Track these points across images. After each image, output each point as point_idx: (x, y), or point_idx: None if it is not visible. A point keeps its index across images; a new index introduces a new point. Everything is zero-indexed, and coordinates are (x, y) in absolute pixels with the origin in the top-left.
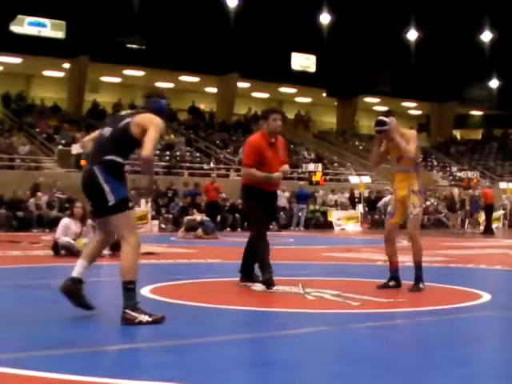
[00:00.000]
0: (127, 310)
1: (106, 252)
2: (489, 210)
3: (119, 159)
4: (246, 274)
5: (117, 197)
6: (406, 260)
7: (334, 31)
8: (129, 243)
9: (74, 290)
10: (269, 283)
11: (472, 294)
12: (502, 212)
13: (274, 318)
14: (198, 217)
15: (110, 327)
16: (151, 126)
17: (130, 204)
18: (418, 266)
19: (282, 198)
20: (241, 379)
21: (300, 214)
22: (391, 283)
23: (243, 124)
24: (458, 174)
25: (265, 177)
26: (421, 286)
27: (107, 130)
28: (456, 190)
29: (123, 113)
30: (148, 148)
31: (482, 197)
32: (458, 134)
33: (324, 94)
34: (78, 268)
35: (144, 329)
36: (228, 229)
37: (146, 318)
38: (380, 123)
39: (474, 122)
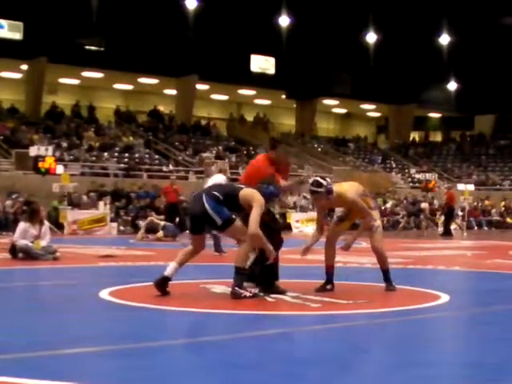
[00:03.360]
0: (236, 288)
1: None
2: (450, 212)
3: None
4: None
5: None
6: (365, 262)
7: (293, 33)
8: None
9: (163, 286)
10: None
11: (431, 295)
12: (459, 213)
13: (233, 320)
14: (162, 222)
15: (67, 330)
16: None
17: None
18: (385, 271)
19: None
20: (201, 382)
21: None
22: (328, 286)
23: (202, 126)
24: (417, 175)
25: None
26: (393, 285)
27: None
28: (426, 204)
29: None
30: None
31: (447, 198)
32: (416, 136)
33: (283, 96)
34: (170, 268)
35: (103, 331)
36: (187, 231)
37: (248, 294)
38: (316, 184)
39: (433, 125)
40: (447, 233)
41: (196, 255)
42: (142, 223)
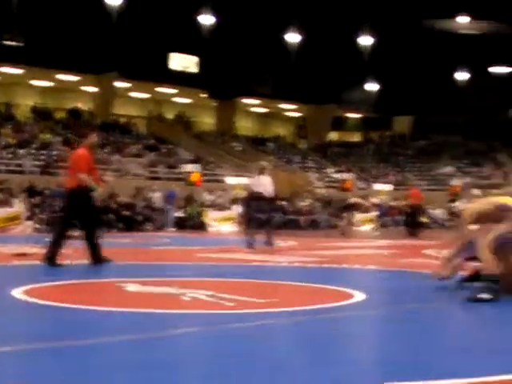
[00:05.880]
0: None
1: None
2: (415, 211)
3: None
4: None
5: None
6: (282, 260)
7: (216, 33)
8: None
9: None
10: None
11: (345, 293)
12: (375, 213)
13: (149, 319)
14: None
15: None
16: None
17: None
18: None
19: (157, 199)
20: (116, 382)
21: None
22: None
23: (122, 124)
24: (335, 175)
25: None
26: None
27: None
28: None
29: None
30: None
31: (413, 197)
32: (335, 136)
33: (204, 95)
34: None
35: (16, 331)
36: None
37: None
38: None
39: (352, 125)
40: (413, 233)
41: None
42: None
